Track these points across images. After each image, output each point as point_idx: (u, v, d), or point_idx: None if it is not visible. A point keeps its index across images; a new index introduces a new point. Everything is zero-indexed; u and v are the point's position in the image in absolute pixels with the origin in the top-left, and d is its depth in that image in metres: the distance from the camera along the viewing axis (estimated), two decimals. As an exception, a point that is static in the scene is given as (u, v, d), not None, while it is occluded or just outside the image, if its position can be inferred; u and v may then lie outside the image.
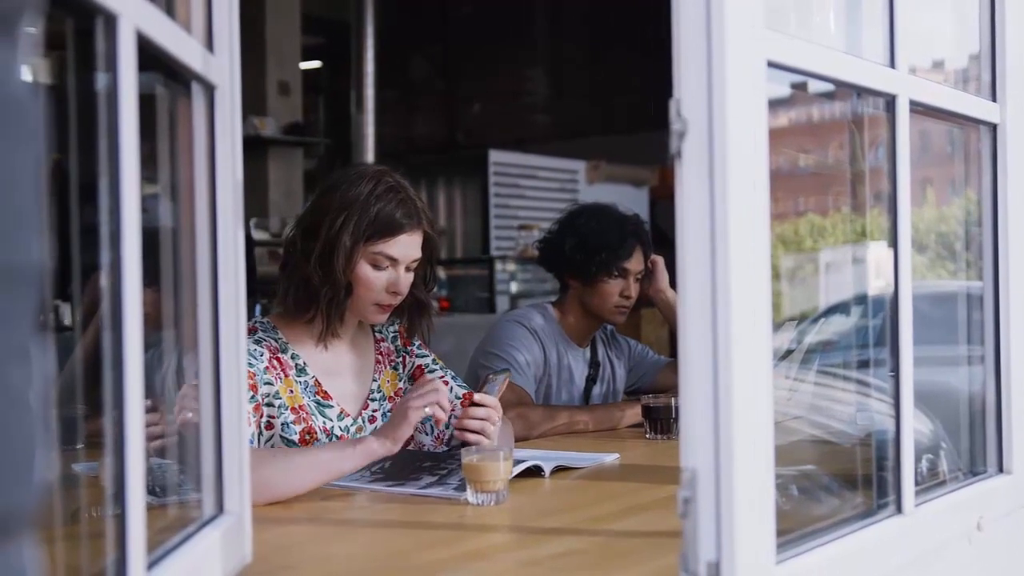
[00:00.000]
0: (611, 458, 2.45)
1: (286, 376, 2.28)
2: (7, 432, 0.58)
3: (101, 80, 1.06)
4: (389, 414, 2.38)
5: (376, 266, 2.28)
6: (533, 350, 3.07)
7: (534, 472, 2.20)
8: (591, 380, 3.24)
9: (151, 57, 1.16)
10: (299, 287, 2.29)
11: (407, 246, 2.30)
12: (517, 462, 2.11)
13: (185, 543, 1.29)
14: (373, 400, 2.42)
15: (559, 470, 2.27)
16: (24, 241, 0.60)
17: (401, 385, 2.47)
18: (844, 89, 1.66)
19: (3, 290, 0.58)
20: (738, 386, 1.21)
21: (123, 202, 1.05)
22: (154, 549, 1.18)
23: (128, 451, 1.05)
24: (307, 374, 2.31)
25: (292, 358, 2.31)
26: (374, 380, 2.44)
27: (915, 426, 1.63)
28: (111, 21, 1.03)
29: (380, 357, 2.47)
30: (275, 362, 2.26)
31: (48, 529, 0.88)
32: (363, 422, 2.37)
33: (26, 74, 0.62)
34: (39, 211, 0.61)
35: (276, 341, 2.31)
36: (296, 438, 2.24)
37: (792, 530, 1.39)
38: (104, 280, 1.05)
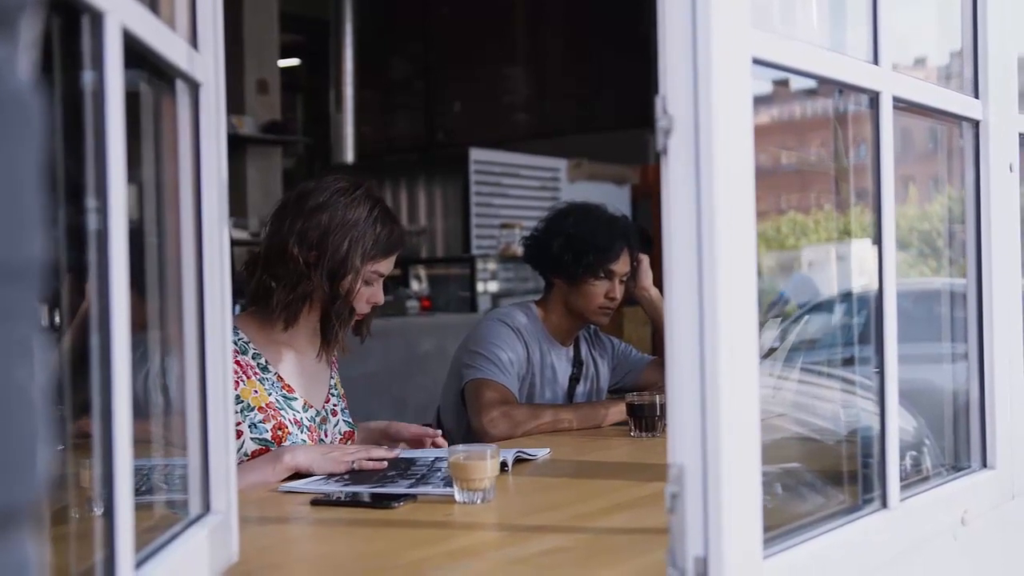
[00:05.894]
0: (543, 452, 2.49)
1: (248, 378, 2.35)
2: (11, 427, 0.58)
3: (87, 78, 1.05)
4: (346, 410, 2.57)
5: (367, 282, 2.42)
6: (516, 348, 3.06)
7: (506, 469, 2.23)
8: (575, 379, 3.24)
9: (135, 54, 1.15)
10: (300, 300, 2.37)
11: (393, 262, 2.48)
12: None
13: (172, 542, 1.28)
14: (333, 395, 2.55)
15: (519, 462, 2.34)
16: (27, 238, 0.60)
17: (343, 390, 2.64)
18: (826, 86, 1.67)
19: (7, 286, 0.58)
20: (725, 381, 1.21)
21: (110, 201, 1.04)
22: (140, 548, 1.17)
23: (116, 452, 1.04)
24: (270, 371, 2.40)
25: (253, 358, 2.39)
26: (332, 378, 2.57)
27: (899, 423, 1.64)
28: (97, 18, 1.02)
29: (333, 359, 2.60)
30: (235, 365, 2.28)
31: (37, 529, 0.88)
32: (327, 413, 2.50)
33: (26, 72, 0.62)
34: (40, 207, 0.61)
35: (235, 343, 2.35)
36: (268, 435, 2.32)
37: (779, 526, 1.39)
38: (90, 280, 1.04)
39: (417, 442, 2.53)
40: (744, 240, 1.26)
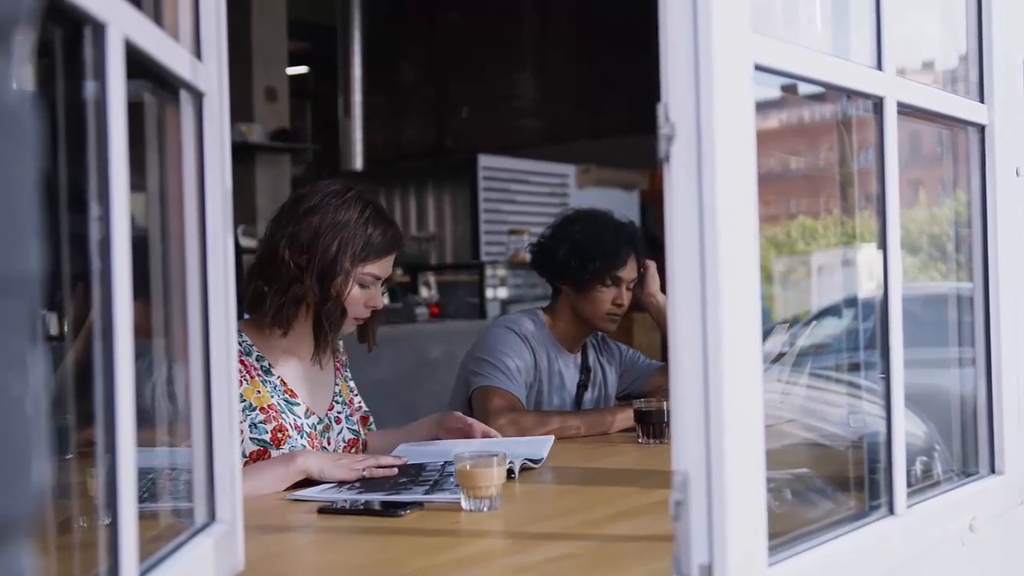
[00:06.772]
0: (548, 442, 2.53)
1: (252, 378, 2.36)
2: (6, 439, 0.59)
3: (89, 88, 1.05)
4: (351, 418, 2.55)
5: (362, 285, 2.41)
6: (524, 356, 3.06)
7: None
8: (582, 386, 3.23)
9: (139, 64, 1.16)
10: (292, 304, 2.37)
11: (390, 265, 2.46)
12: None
13: (177, 551, 1.28)
14: (337, 402, 2.54)
15: (526, 469, 2.33)
16: (22, 250, 0.60)
17: (352, 396, 2.62)
18: (834, 91, 1.67)
19: (3, 299, 0.59)
20: (729, 389, 1.21)
21: (112, 211, 1.04)
22: (145, 557, 1.18)
23: (119, 460, 1.05)
24: (273, 375, 2.40)
25: (257, 360, 2.40)
26: (336, 385, 2.56)
27: (909, 429, 1.64)
28: (99, 29, 1.03)
29: (338, 365, 2.60)
30: (239, 365, 2.29)
31: (40, 538, 0.88)
32: (330, 421, 2.50)
33: (21, 83, 0.62)
34: (35, 220, 0.62)
35: (240, 345, 2.35)
36: (268, 437, 2.33)
37: (785, 532, 1.39)
38: (94, 289, 1.05)
39: (462, 432, 2.56)
40: (747, 246, 1.25)
